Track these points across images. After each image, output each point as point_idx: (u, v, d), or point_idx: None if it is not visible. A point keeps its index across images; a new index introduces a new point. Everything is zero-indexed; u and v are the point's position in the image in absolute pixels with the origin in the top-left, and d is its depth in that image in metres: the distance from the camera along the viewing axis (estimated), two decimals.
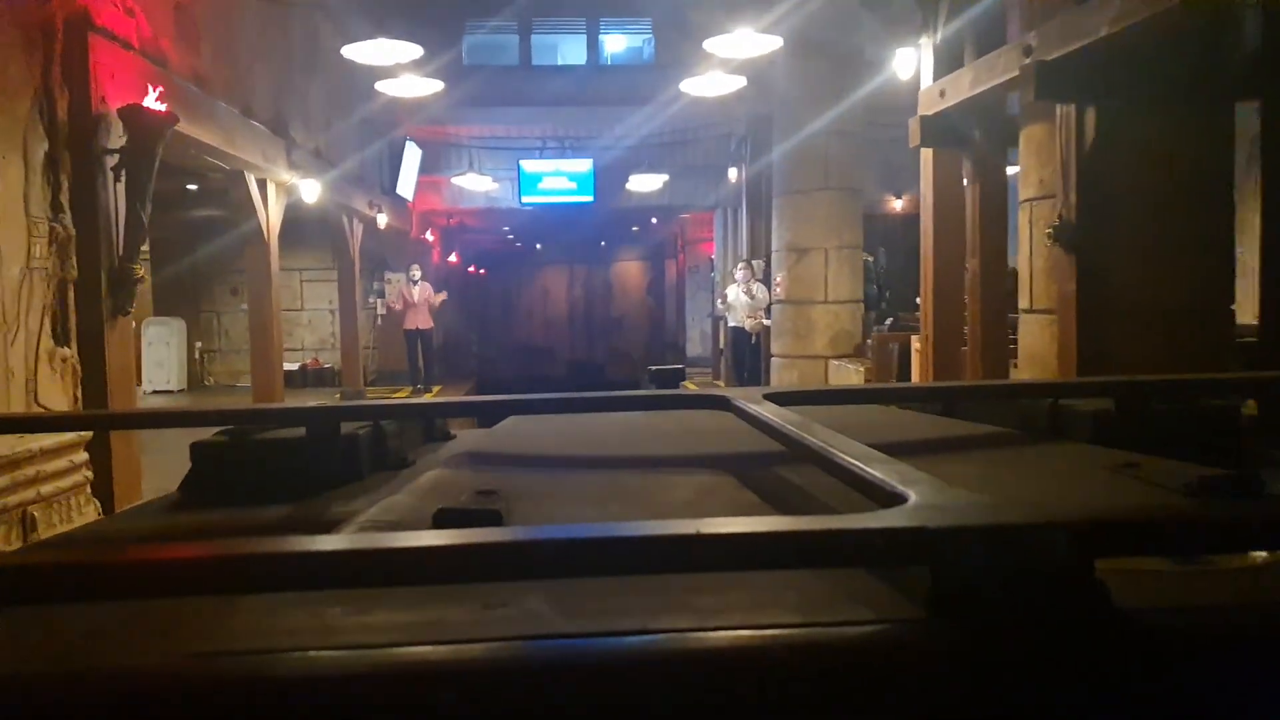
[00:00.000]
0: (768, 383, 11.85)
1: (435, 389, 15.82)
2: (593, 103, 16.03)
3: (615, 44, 19.14)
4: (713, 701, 0.56)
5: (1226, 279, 5.08)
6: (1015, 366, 6.16)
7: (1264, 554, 0.72)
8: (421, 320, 15.37)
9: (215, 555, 0.59)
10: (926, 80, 7.18)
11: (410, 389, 14.67)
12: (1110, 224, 4.84)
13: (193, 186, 11.83)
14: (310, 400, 1.62)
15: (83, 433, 5.01)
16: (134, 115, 5.47)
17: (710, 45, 6.81)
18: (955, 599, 0.58)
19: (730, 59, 7.86)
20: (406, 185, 16.35)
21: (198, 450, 1.23)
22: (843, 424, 1.00)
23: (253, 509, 1.12)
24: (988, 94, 5.81)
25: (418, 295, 15.31)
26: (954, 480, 0.73)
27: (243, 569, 0.57)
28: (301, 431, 1.23)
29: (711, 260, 20.88)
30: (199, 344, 17.47)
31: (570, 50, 18.27)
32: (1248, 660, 0.60)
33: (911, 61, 7.63)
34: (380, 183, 15.33)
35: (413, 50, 7.03)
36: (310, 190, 9.90)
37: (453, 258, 22.73)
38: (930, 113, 6.48)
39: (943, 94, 6.26)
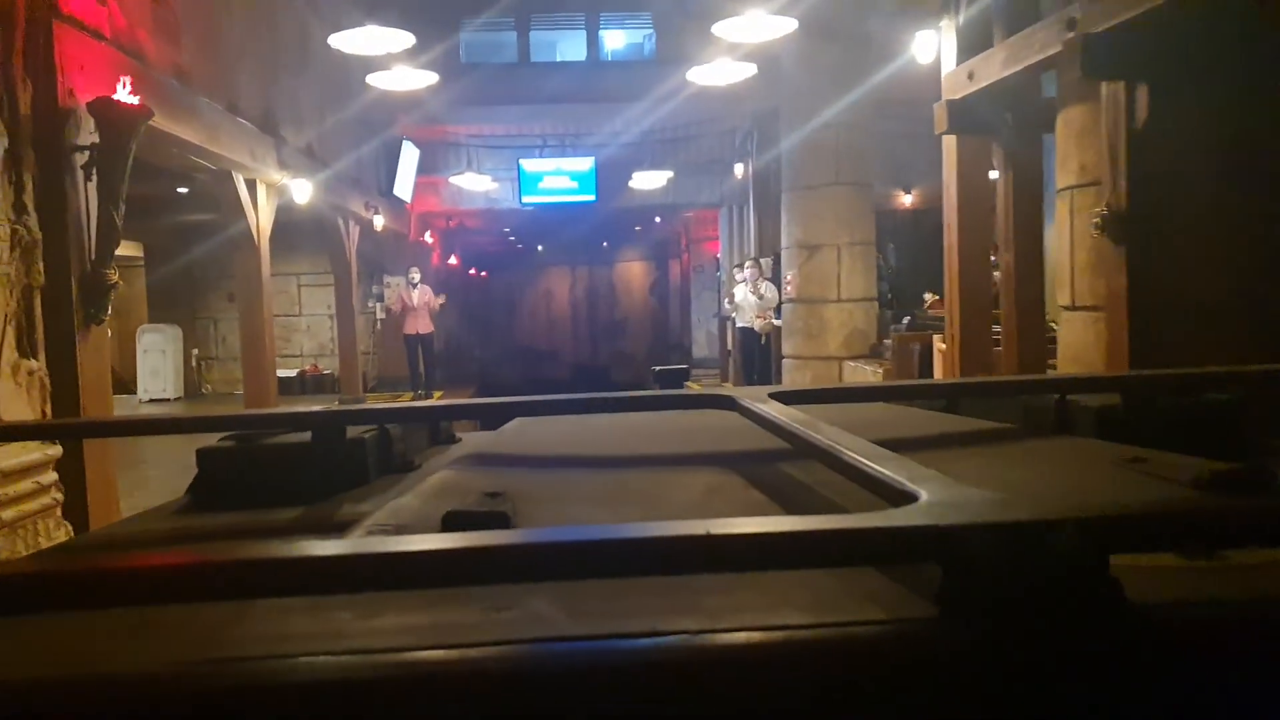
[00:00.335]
0: (779, 384, 11.46)
1: (436, 394, 15.48)
2: (593, 99, 15.67)
3: (615, 40, 18.83)
4: (726, 704, 0.56)
5: None
6: (1053, 367, 5.77)
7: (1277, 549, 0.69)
8: (421, 324, 15.04)
9: (224, 561, 0.58)
10: (949, 64, 6.77)
11: (411, 395, 14.31)
12: (1165, 213, 4.44)
13: (183, 190, 11.46)
14: (304, 408, 1.47)
15: (51, 451, 4.62)
16: (104, 109, 5.08)
17: (720, 29, 6.42)
18: (968, 597, 0.58)
19: (738, 45, 7.45)
20: (404, 186, 15.97)
21: (204, 455, 1.23)
22: (848, 422, 1.00)
23: (260, 513, 1.12)
24: (1022, 75, 5.40)
25: (417, 299, 14.97)
26: (962, 477, 0.72)
27: (252, 574, 0.57)
28: (307, 436, 1.23)
29: (717, 259, 20.56)
30: (196, 351, 17.11)
31: (569, 47, 17.95)
32: (1264, 657, 0.60)
33: (929, 45, 7.22)
34: (377, 184, 14.94)
35: (404, 39, 6.63)
36: (302, 191, 9.51)
37: (453, 260, 22.38)
38: (957, 97, 6.07)
39: (971, 76, 5.85)
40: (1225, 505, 0.72)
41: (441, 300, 15.35)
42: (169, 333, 16.25)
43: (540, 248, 27.90)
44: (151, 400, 15.95)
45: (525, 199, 17.92)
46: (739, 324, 13.17)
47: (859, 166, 11.13)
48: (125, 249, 18.72)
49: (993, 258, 7.05)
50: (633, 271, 29.58)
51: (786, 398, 1.18)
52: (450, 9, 13.10)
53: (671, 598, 0.63)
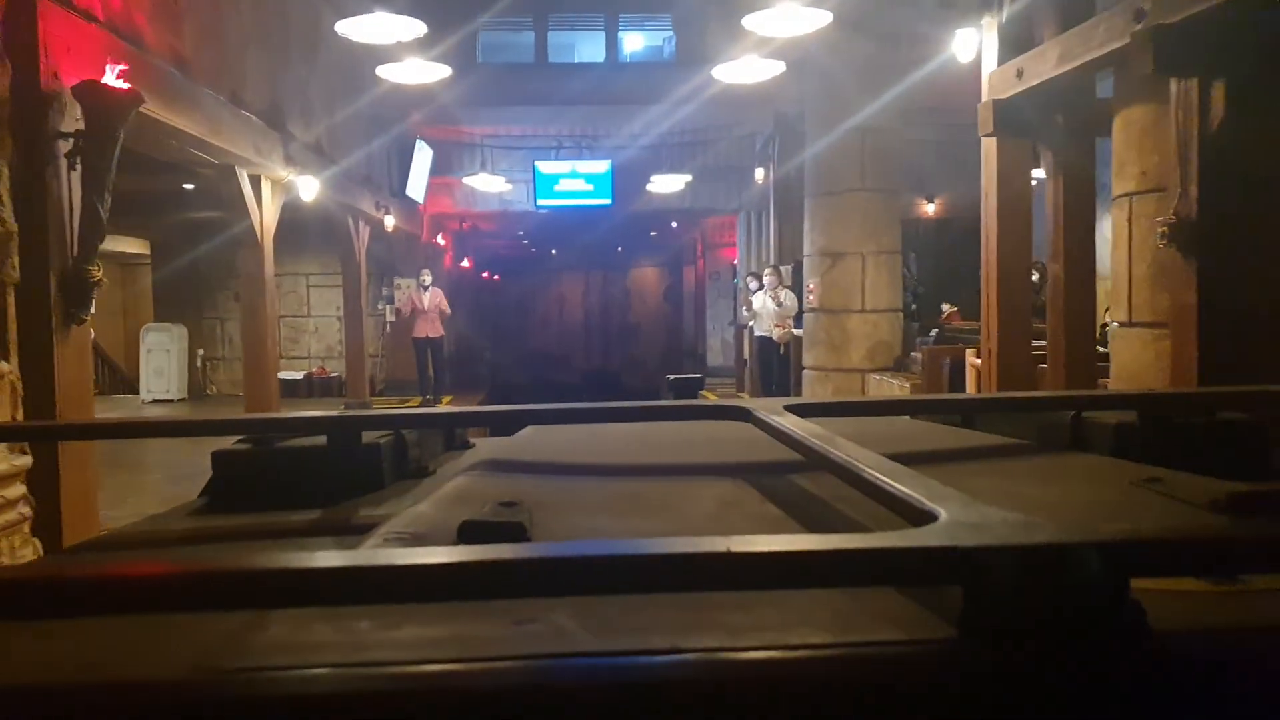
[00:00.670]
0: (797, 396, 11.06)
1: (446, 399, 15.13)
2: (611, 101, 15.33)
3: (634, 43, 18.50)
4: None
5: None
6: (1104, 386, 5.36)
7: None
8: (431, 328, 14.70)
9: (237, 570, 0.58)
10: (990, 64, 6.39)
11: (420, 399, 13.96)
12: (1242, 222, 4.04)
13: (189, 186, 11.14)
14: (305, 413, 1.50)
15: (19, 461, 4.26)
16: (90, 93, 4.74)
17: (750, 22, 6.04)
18: (988, 619, 0.57)
19: (767, 42, 7.07)
20: (417, 187, 15.63)
21: (219, 459, 1.22)
22: (864, 436, 0.98)
23: (275, 519, 1.11)
24: (1078, 72, 5.00)
25: (428, 301, 14.63)
26: (979, 494, 0.71)
27: (270, 584, 0.56)
28: (322, 440, 1.23)
29: (733, 266, 20.21)
30: (201, 351, 16.77)
31: (588, 49, 17.62)
32: None
33: (969, 44, 6.83)
34: (389, 184, 14.61)
35: (415, 27, 6.28)
36: (308, 188, 9.16)
37: (465, 263, 22.07)
38: (1004, 96, 5.66)
39: (1020, 74, 5.45)
40: (1247, 531, 0.71)
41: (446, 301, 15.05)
42: (174, 332, 15.93)
43: (554, 251, 27.60)
44: (155, 401, 15.63)
45: (540, 201, 17.57)
46: (757, 333, 12.80)
47: (886, 172, 10.74)
48: (131, 246, 18.61)
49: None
50: (647, 277, 29.30)
51: (802, 410, 1.16)
52: (466, 3, 12.74)
53: (691, 613, 0.63)
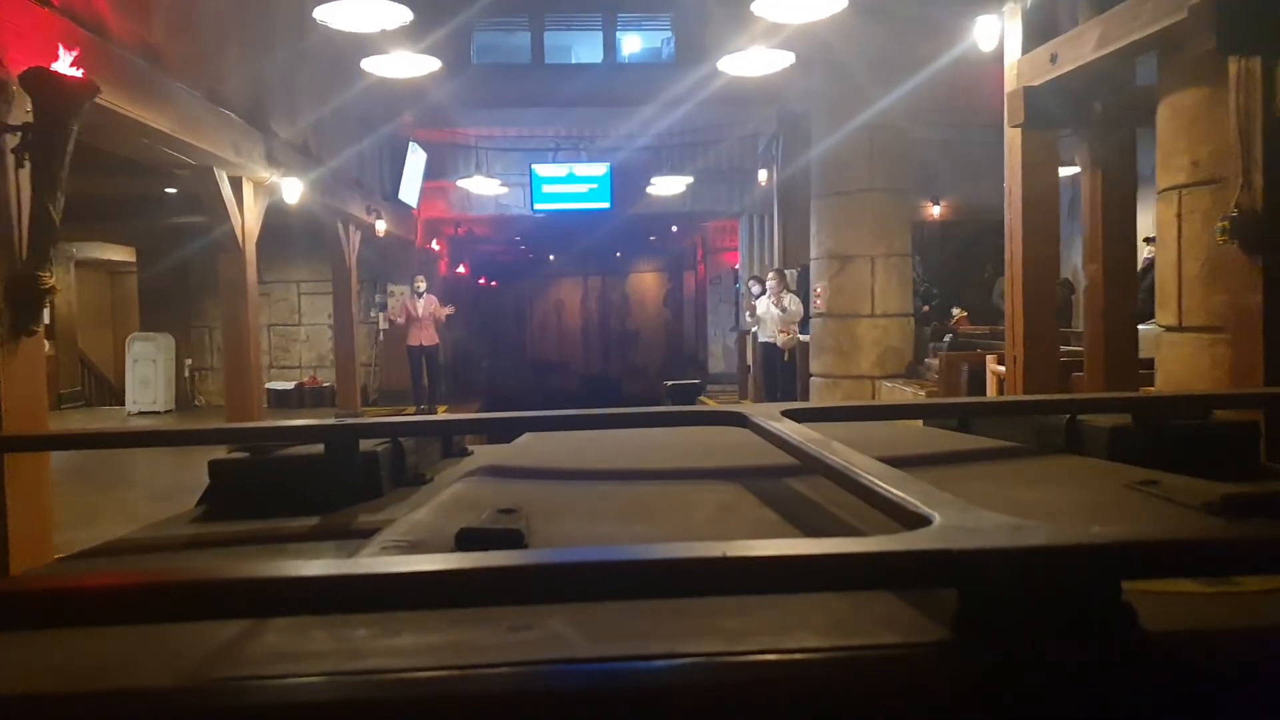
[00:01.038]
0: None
1: (441, 409, 14.70)
2: (609, 103, 14.95)
3: (632, 45, 18.13)
4: None
5: None
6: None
7: None
8: (426, 336, 14.29)
9: (231, 580, 0.57)
10: (1013, 53, 5.98)
11: (414, 409, 13.53)
12: None
13: (171, 190, 10.72)
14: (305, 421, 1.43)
15: None
16: (39, 81, 4.32)
17: (759, 7, 5.63)
18: (982, 621, 0.58)
19: (777, 30, 6.65)
20: (410, 190, 15.21)
21: (216, 467, 1.21)
22: (861, 440, 0.99)
23: (273, 527, 1.11)
24: (1121, 55, 4.58)
25: (422, 309, 14.21)
26: (975, 498, 0.72)
27: (266, 592, 0.56)
28: (320, 448, 1.21)
29: (735, 271, 19.81)
30: (189, 361, 16.35)
31: (584, 52, 17.25)
32: (1277, 684, 0.59)
33: (990, 32, 6.42)
34: (381, 187, 14.18)
35: (400, 13, 5.86)
36: (292, 189, 8.74)
37: (461, 268, 21.67)
38: (1036, 84, 5.24)
39: (1054, 59, 5.03)
40: (1239, 532, 0.71)
41: (450, 310, 14.59)
42: (161, 341, 15.48)
43: (552, 257, 27.22)
44: (141, 413, 15.20)
45: (537, 205, 17.15)
46: (761, 339, 12.38)
47: (896, 171, 10.33)
48: (118, 254, 18.16)
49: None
50: (647, 282, 28.95)
51: (798, 415, 1.16)
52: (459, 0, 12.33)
53: (688, 618, 0.63)
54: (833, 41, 8.22)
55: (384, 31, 6.17)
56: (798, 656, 0.59)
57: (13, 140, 4.33)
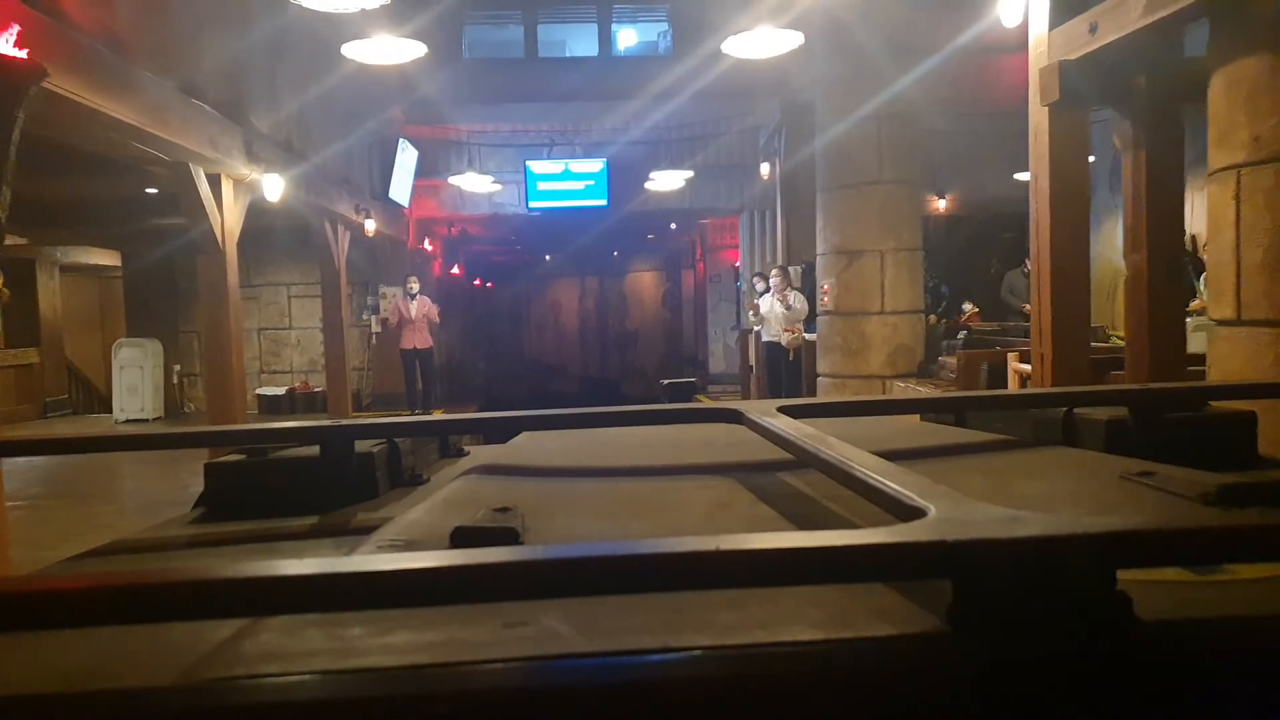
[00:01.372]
0: None
1: (436, 413, 14.31)
2: (606, 96, 14.53)
3: (628, 39, 17.75)
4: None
5: None
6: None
7: None
8: (419, 339, 13.90)
9: (232, 578, 0.57)
10: (1039, 27, 5.57)
11: (409, 414, 13.14)
12: None
13: (152, 190, 10.31)
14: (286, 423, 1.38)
15: None
16: None
17: None
18: (978, 612, 0.58)
19: (782, 9, 6.25)
20: (401, 189, 14.79)
21: (213, 470, 1.23)
22: (857, 436, 0.99)
23: (270, 527, 1.12)
24: (1169, 22, 4.17)
25: (415, 311, 13.82)
26: (971, 491, 0.71)
27: (261, 591, 0.56)
28: (316, 450, 1.22)
29: (735, 269, 19.43)
30: (177, 367, 15.91)
31: (579, 46, 16.86)
32: (1273, 673, 0.59)
33: (1014, 5, 6.03)
34: (370, 186, 13.77)
35: None
36: (274, 187, 8.32)
37: (455, 269, 21.26)
38: (1074, 57, 4.83)
39: (1094, 29, 4.62)
40: (1233, 520, 0.69)
41: (437, 309, 14.23)
42: (148, 347, 15.08)
43: (548, 257, 26.85)
44: (129, 421, 14.79)
45: (532, 203, 16.74)
46: (764, 338, 11.98)
47: (905, 162, 9.91)
48: (106, 258, 17.75)
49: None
50: (645, 282, 28.61)
51: (794, 411, 1.16)
52: None
53: (683, 613, 0.63)
54: (846, 19, 7.80)
55: (365, 13, 5.77)
56: (792, 649, 0.59)
57: None
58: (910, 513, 0.67)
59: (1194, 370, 4.75)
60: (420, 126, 14.71)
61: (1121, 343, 8.98)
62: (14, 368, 15.85)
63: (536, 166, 16.64)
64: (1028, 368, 6.68)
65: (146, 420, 14.86)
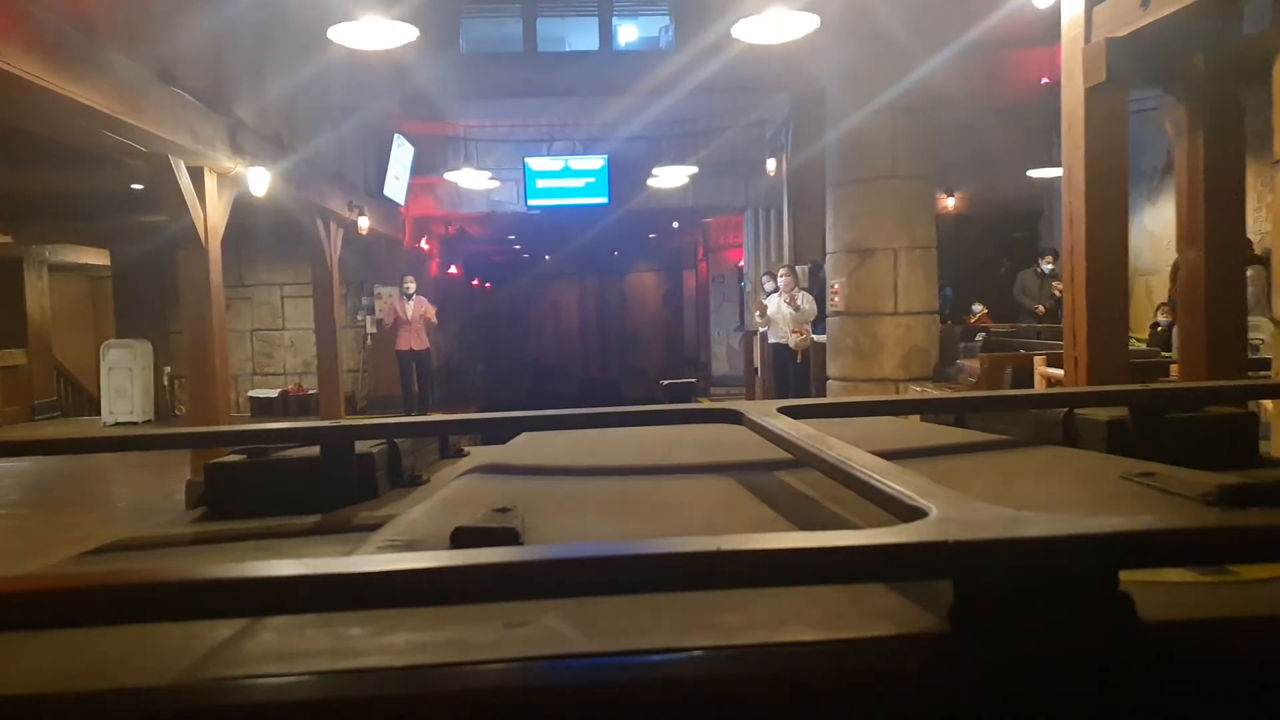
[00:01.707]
0: None
1: (433, 415, 13.93)
2: (606, 91, 14.14)
3: (629, 34, 17.38)
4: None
5: None
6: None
7: None
8: (416, 340, 13.53)
9: (231, 578, 0.56)
10: (1074, 6, 5.18)
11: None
12: None
13: (138, 186, 9.92)
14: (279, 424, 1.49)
15: None
16: None
17: None
18: (979, 613, 0.57)
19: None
20: (397, 186, 14.40)
21: (213, 471, 1.23)
22: (857, 436, 0.99)
23: (269, 528, 1.13)
24: None
25: (412, 311, 13.45)
26: (972, 491, 0.71)
27: (260, 591, 0.55)
28: (316, 450, 1.23)
29: (739, 268, 19.04)
30: (168, 369, 15.52)
31: (579, 41, 16.49)
32: (1276, 674, 0.58)
33: None
34: (365, 183, 13.38)
35: None
36: (259, 181, 7.93)
37: (454, 269, 20.89)
38: (1123, 34, 4.43)
39: (1146, 3, 4.23)
40: (1234, 521, 0.68)
41: (434, 310, 13.87)
42: (137, 348, 14.71)
43: (547, 257, 26.49)
44: (118, 424, 14.39)
45: (531, 201, 16.35)
46: (771, 340, 11.59)
47: (920, 156, 9.55)
48: (93, 256, 17.35)
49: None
50: (646, 282, 28.27)
51: (795, 412, 1.17)
52: None
53: (684, 613, 0.63)
54: (865, 2, 7.41)
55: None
56: (793, 650, 0.59)
57: None
58: (911, 513, 0.67)
59: (1259, 376, 4.37)
60: (416, 122, 14.32)
61: (1140, 345, 8.66)
62: (1, 369, 15.47)
63: (536, 163, 16.26)
64: (1057, 372, 6.31)
65: (136, 423, 14.46)
